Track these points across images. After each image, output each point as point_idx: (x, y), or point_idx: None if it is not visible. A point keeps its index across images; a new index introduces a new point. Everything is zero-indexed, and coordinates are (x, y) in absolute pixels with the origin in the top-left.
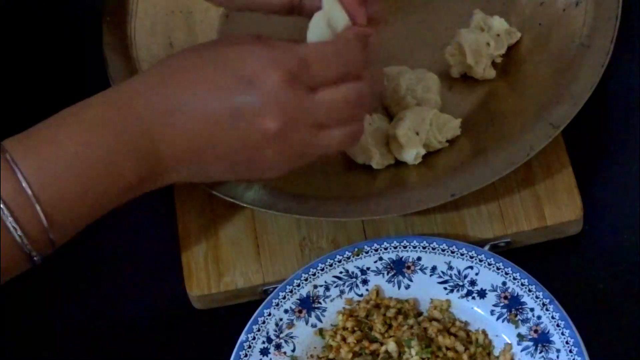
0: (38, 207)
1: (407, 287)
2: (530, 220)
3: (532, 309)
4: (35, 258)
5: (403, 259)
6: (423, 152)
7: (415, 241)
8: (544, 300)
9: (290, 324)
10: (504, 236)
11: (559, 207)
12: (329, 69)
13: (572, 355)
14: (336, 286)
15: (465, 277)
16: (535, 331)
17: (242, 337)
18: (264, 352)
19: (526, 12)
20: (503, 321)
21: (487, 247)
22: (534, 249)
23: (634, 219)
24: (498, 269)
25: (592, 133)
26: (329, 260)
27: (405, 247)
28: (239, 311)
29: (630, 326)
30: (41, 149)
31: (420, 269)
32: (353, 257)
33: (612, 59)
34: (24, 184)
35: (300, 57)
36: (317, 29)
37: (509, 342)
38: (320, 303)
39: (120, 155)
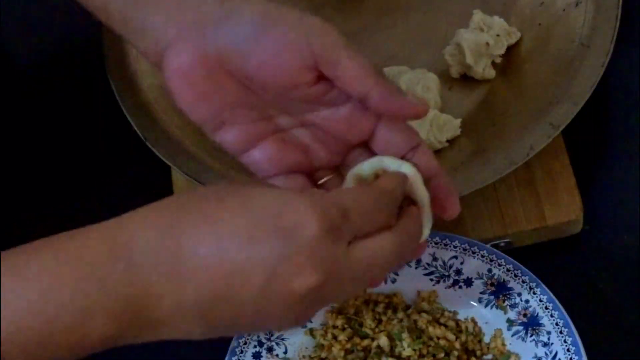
0: None
1: (394, 280)
2: (530, 220)
3: (519, 294)
4: None
5: None
6: None
7: None
8: (531, 284)
9: None
10: (504, 236)
11: (559, 207)
12: (367, 222)
13: (562, 336)
14: None
15: (451, 267)
16: (525, 315)
17: (234, 342)
18: (257, 356)
19: (526, 12)
20: (491, 308)
21: None
22: (534, 249)
23: (634, 219)
24: (482, 256)
25: (592, 133)
26: None
27: None
28: None
29: (630, 326)
30: (14, 278)
31: (405, 262)
32: None
33: (612, 59)
34: None
35: (339, 207)
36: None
37: (499, 328)
38: None
39: (97, 302)
